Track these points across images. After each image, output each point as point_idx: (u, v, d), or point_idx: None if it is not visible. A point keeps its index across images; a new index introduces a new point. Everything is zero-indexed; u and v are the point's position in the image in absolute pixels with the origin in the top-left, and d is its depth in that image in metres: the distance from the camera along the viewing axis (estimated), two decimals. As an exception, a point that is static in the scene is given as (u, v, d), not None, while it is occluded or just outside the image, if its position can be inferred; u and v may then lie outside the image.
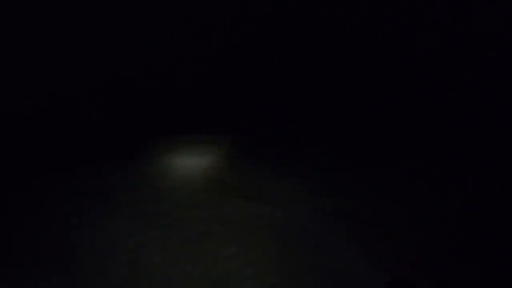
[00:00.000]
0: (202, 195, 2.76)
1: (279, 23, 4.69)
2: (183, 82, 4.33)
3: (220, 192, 2.80)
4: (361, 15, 4.66)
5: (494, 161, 3.03)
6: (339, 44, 4.64)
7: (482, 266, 2.09)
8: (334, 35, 4.67)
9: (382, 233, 2.34)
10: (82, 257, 2.17)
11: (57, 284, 2.00)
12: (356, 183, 2.86)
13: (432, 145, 3.28)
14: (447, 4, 4.46)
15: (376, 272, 2.05)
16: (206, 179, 2.97)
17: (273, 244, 2.28)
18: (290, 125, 3.72)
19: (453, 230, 2.37)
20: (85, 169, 3.07)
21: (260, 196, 2.71)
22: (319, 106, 3.99)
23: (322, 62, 4.55)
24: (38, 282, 2.02)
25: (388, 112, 3.78)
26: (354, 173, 2.99)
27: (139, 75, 4.33)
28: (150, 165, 3.13)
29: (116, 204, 2.64)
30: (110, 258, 2.17)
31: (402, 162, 3.07)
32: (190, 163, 3.18)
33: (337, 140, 3.46)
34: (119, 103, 4.05)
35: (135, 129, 3.68)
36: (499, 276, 2.03)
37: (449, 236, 2.32)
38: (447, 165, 3.01)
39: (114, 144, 3.43)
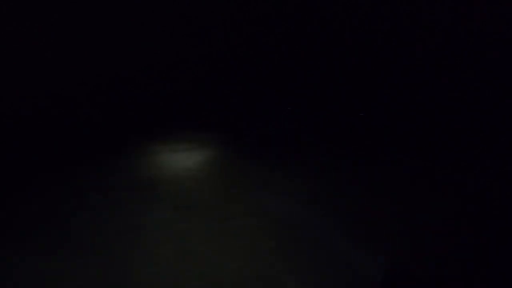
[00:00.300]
0: (202, 194, 2.77)
1: (279, 23, 4.69)
2: (183, 82, 4.33)
3: (219, 192, 2.80)
4: (361, 15, 4.66)
5: (494, 161, 3.03)
6: (339, 44, 4.65)
7: (482, 266, 2.09)
8: (334, 35, 4.67)
9: (382, 233, 2.34)
10: (83, 257, 2.17)
11: (57, 284, 2.00)
12: (356, 183, 2.86)
13: (432, 145, 3.29)
14: (447, 4, 4.46)
15: (376, 271, 2.05)
16: (206, 179, 2.97)
17: (273, 242, 2.28)
18: (290, 125, 3.72)
19: (453, 230, 2.37)
20: (85, 168, 3.07)
21: (260, 196, 2.72)
22: (319, 106, 3.99)
23: (322, 62, 4.55)
24: (39, 282, 2.02)
25: (388, 112, 3.78)
26: (354, 173, 3.00)
27: (139, 75, 4.33)
28: (149, 165, 3.13)
29: (116, 203, 2.64)
30: (112, 258, 2.18)
31: (402, 162, 3.08)
32: (190, 162, 3.19)
33: (337, 140, 3.46)
34: (119, 103, 4.05)
35: (135, 129, 3.68)
36: (499, 276, 2.03)
37: (449, 236, 2.32)
38: (447, 165, 3.02)
39: (114, 143, 3.43)
